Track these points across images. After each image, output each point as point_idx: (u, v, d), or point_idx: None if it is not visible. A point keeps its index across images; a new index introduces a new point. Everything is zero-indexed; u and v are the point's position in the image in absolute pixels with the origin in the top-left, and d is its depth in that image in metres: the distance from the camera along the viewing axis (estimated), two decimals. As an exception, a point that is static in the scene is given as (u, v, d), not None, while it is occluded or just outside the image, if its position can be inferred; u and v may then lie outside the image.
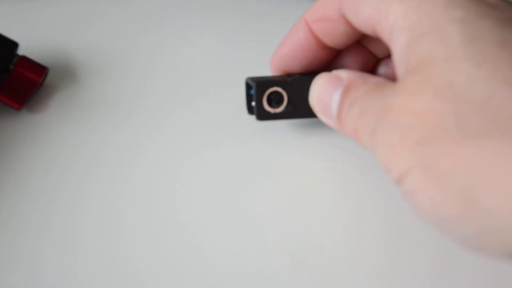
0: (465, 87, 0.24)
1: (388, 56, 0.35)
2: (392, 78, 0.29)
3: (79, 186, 0.34)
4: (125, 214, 0.33)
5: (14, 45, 0.36)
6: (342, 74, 0.30)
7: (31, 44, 0.39)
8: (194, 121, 0.37)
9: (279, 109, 0.34)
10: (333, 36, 0.32)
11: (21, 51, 0.37)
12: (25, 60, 0.37)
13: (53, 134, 0.36)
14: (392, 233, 0.32)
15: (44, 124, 0.36)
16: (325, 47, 0.33)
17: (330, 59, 0.34)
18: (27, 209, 0.33)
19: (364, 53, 0.34)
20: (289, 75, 0.34)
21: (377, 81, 0.29)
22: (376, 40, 0.32)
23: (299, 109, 0.34)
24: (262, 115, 0.34)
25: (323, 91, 0.31)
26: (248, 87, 0.35)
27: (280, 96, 0.34)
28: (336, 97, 0.30)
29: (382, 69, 0.35)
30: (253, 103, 0.34)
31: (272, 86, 0.33)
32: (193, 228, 0.32)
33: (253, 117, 0.35)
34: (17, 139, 0.36)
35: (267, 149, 0.36)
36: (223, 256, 0.31)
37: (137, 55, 0.41)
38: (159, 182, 0.34)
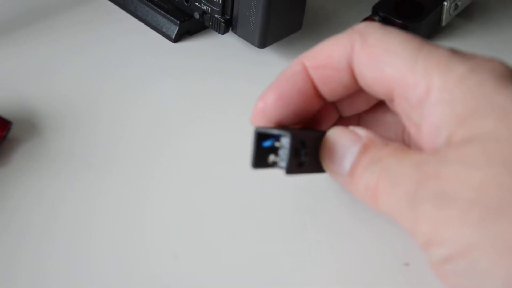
0: None
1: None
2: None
3: (40, 241, 0.33)
4: (87, 266, 0.32)
5: (-23, 99, 0.36)
6: (359, 131, 0.29)
7: (-6, 97, 0.39)
8: (167, 170, 0.37)
9: (305, 162, 0.30)
10: (332, 86, 0.30)
11: (-16, 104, 0.37)
12: (-12, 114, 0.37)
13: (15, 188, 0.36)
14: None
15: (5, 179, 0.36)
16: (319, 96, 0.31)
17: (316, 111, 0.32)
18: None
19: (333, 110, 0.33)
20: (284, 127, 0.31)
21: (399, 145, 0.28)
22: (360, 97, 0.31)
23: (313, 164, 0.31)
24: (292, 169, 0.29)
25: (338, 144, 0.29)
26: (260, 138, 0.29)
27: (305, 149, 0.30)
28: (352, 152, 0.29)
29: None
30: (280, 156, 0.29)
31: (302, 137, 0.29)
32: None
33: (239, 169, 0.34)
34: (-22, 194, 0.35)
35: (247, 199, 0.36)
36: None
37: (99, 104, 0.41)
38: (123, 237, 0.34)
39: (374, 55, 0.28)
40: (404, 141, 0.33)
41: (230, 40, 0.47)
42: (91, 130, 0.39)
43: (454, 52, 0.27)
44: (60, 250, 0.33)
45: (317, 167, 0.31)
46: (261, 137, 0.29)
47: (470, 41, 0.49)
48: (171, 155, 0.39)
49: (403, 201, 0.26)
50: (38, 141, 0.38)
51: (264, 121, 0.31)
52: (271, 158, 0.29)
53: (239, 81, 0.44)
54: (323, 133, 0.30)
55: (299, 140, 0.29)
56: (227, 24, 0.44)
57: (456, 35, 0.49)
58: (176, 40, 0.46)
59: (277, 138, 0.29)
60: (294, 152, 0.29)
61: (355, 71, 0.29)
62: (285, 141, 0.29)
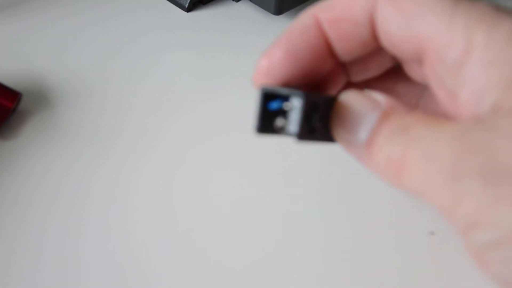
0: None
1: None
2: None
3: (46, 211, 0.33)
4: (89, 239, 0.32)
5: (-15, 70, 0.35)
6: (378, 96, 0.25)
7: (3, 69, 0.38)
8: (172, 146, 0.36)
9: (317, 128, 0.26)
10: (348, 43, 0.26)
11: (-7, 76, 0.36)
12: (-3, 85, 0.36)
13: (26, 160, 0.35)
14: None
15: (17, 151, 0.35)
16: (331, 55, 0.27)
17: (326, 72, 0.28)
18: (2, 239, 0.32)
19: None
20: (292, 87, 0.27)
21: (426, 113, 0.24)
22: (375, 59, 0.28)
23: (323, 132, 0.26)
24: (303, 135, 0.25)
25: (353, 110, 0.25)
26: (266, 98, 0.25)
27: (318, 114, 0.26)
28: (370, 119, 0.25)
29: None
30: (290, 120, 0.25)
31: (317, 100, 0.25)
32: (155, 259, 0.31)
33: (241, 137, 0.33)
34: (-11, 167, 0.35)
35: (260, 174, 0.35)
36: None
37: (111, 79, 0.40)
38: (138, 212, 0.33)
39: (402, 8, 0.24)
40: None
41: (244, 7, 0.45)
42: (102, 104, 0.38)
43: (499, 7, 0.24)
44: (64, 223, 0.32)
45: (329, 136, 0.26)
46: (267, 97, 0.25)
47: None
48: (182, 130, 0.37)
49: (439, 177, 0.22)
50: (48, 113, 0.37)
51: (268, 81, 0.27)
52: (279, 122, 0.25)
53: (254, 51, 0.43)
54: (334, 97, 0.26)
55: (312, 102, 0.25)
56: (241, -9, 0.43)
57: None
58: (189, 9, 0.45)
59: (286, 99, 0.25)
60: (306, 115, 0.25)
61: (377, 26, 0.25)
62: (296, 102, 0.25)
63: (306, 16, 0.27)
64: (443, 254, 0.32)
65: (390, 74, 0.30)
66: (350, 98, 0.25)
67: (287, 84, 0.27)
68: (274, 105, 0.25)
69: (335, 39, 0.26)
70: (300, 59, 0.26)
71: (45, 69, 0.40)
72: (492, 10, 0.23)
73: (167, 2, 0.46)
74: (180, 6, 0.45)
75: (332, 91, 0.29)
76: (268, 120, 0.25)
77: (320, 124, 0.25)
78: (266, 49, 0.27)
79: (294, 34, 0.27)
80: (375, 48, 0.27)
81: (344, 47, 0.26)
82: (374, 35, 0.26)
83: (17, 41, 0.42)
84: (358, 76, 0.29)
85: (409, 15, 0.24)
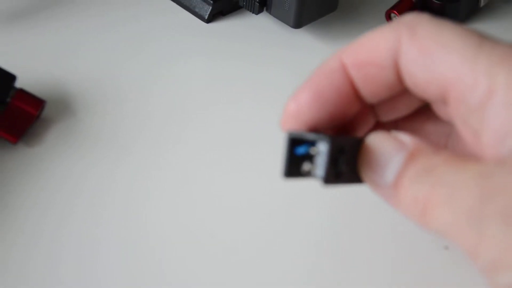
0: None
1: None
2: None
3: (74, 220, 0.33)
4: (121, 248, 0.32)
5: (11, 77, 0.36)
6: (404, 137, 0.25)
7: (28, 76, 0.38)
8: (195, 152, 0.37)
9: (343, 172, 0.26)
10: (374, 86, 0.27)
11: (18, 83, 0.36)
12: (22, 93, 0.36)
13: (49, 168, 0.36)
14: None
15: (40, 158, 0.36)
16: (358, 97, 0.27)
17: (353, 114, 0.28)
18: (24, 242, 0.32)
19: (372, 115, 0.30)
20: (318, 132, 0.27)
21: (453, 154, 0.24)
22: (402, 100, 0.28)
23: (351, 173, 0.27)
24: (329, 179, 0.26)
25: (380, 151, 0.26)
26: (293, 143, 0.26)
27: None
28: (397, 161, 0.25)
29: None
30: (316, 164, 0.26)
31: (343, 144, 0.26)
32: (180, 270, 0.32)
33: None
34: (13, 173, 0.35)
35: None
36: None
37: (129, 86, 0.41)
38: (156, 216, 0.34)
39: (426, 50, 0.25)
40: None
41: (264, 20, 0.46)
42: (121, 110, 0.39)
43: None
44: (83, 228, 0.33)
45: (355, 177, 0.27)
46: (294, 142, 0.26)
47: (510, 22, 0.47)
48: (198, 137, 0.38)
49: (462, 218, 0.22)
50: (71, 121, 0.38)
51: (297, 124, 0.27)
52: (306, 166, 0.26)
53: (273, 63, 0.43)
54: (361, 139, 0.27)
55: (338, 147, 0.26)
56: (262, 4, 0.43)
57: (496, 17, 0.48)
58: (209, 20, 0.46)
59: (312, 144, 0.26)
60: (332, 160, 0.25)
61: (402, 68, 0.26)
62: (322, 147, 0.25)
63: (333, 59, 0.27)
64: (457, 269, 0.32)
65: (419, 113, 0.30)
66: (377, 140, 0.26)
67: (315, 127, 0.27)
68: (301, 150, 0.26)
69: (360, 83, 0.27)
70: (327, 102, 0.27)
71: (66, 76, 0.41)
72: None
73: (188, 13, 0.46)
74: (200, 17, 0.46)
75: (361, 132, 0.30)
76: (295, 164, 0.26)
77: (347, 167, 0.26)
78: (294, 93, 0.27)
79: (320, 77, 0.27)
80: (401, 90, 0.27)
81: (370, 90, 0.27)
82: (399, 78, 0.26)
83: (39, 49, 0.43)
84: (387, 116, 0.30)
85: (432, 57, 0.24)
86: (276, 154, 0.34)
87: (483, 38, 0.24)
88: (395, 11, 0.45)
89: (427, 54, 0.25)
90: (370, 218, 0.34)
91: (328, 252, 0.33)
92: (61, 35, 0.44)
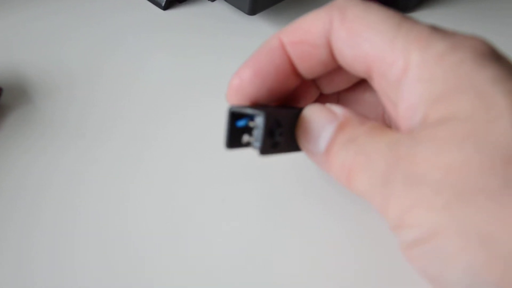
0: None
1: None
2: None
3: (30, 205, 0.34)
4: (76, 234, 0.33)
5: (-32, 65, 0.36)
6: (336, 109, 0.28)
7: (-15, 64, 0.38)
8: (149, 141, 0.38)
9: (280, 142, 0.29)
10: (309, 63, 0.29)
11: (-26, 71, 0.37)
12: (-21, 80, 0.37)
13: (6, 154, 0.36)
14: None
15: (-2, 145, 0.36)
16: (296, 73, 0.30)
17: (293, 88, 0.31)
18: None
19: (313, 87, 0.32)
20: (260, 105, 0.30)
21: (376, 124, 0.27)
22: (340, 75, 0.31)
23: (289, 143, 0.30)
24: (266, 150, 0.28)
25: (314, 123, 0.28)
26: (234, 117, 0.29)
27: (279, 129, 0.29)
28: (328, 131, 0.28)
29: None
30: (254, 136, 0.28)
31: (277, 116, 0.28)
32: (144, 254, 0.33)
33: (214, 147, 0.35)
34: (-30, 160, 0.35)
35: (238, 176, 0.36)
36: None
37: (91, 75, 0.41)
38: (111, 204, 0.34)
39: (353, 31, 0.27)
40: (385, 121, 0.33)
41: (219, 7, 0.47)
42: (82, 100, 0.40)
43: (435, 28, 0.26)
44: (49, 218, 0.33)
45: (294, 146, 0.30)
46: (235, 116, 0.28)
47: (460, 8, 0.49)
48: (161, 126, 0.39)
49: (377, 182, 0.25)
50: (29, 108, 0.38)
51: (240, 99, 0.29)
52: (245, 138, 0.29)
53: (228, 50, 0.44)
54: (299, 110, 0.29)
55: (274, 120, 0.28)
56: (217, -9, 0.44)
57: (445, 5, 0.49)
58: (166, 7, 0.46)
59: (251, 117, 0.28)
60: (269, 132, 0.28)
61: (333, 47, 0.28)
62: (259, 121, 0.28)
63: (273, 38, 0.29)
64: None
65: (359, 85, 0.33)
66: (312, 112, 0.29)
67: (257, 101, 0.30)
68: (240, 123, 0.28)
69: (297, 60, 0.29)
70: (267, 78, 0.29)
71: (25, 64, 0.41)
72: (429, 31, 0.26)
73: (145, 0, 0.47)
74: (157, 4, 0.47)
75: (305, 103, 0.32)
76: (236, 136, 0.28)
77: (283, 137, 0.29)
78: (238, 69, 0.30)
79: (261, 55, 0.29)
80: (335, 67, 0.29)
81: (306, 67, 0.29)
82: (332, 56, 0.29)
83: (-3, 36, 0.43)
84: (329, 89, 0.32)
85: (358, 37, 0.27)
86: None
87: (403, 19, 0.27)
88: (348, -2, 0.46)
89: (354, 34, 0.27)
90: (340, 210, 0.35)
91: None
92: (18, 25, 0.44)
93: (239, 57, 0.43)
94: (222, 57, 0.43)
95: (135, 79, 0.41)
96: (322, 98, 0.33)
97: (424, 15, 0.48)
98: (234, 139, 0.29)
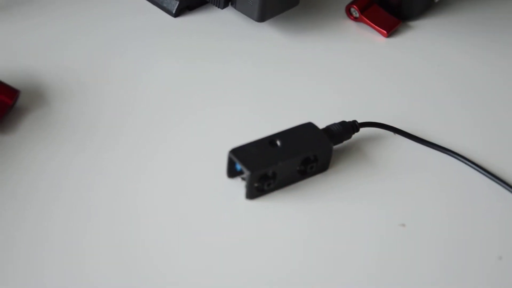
0: None
1: None
2: None
3: (44, 206, 0.35)
4: (89, 235, 0.34)
5: (-13, 68, 0.37)
6: None
7: (3, 66, 0.39)
8: (167, 145, 0.39)
9: (269, 187, 0.36)
10: None
11: (-7, 74, 0.38)
12: (-3, 83, 0.38)
13: (23, 156, 0.37)
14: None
15: (15, 146, 0.37)
16: None
17: None
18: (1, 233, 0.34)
19: None
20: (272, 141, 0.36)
21: None
22: None
23: (281, 179, 0.36)
24: (252, 196, 0.36)
25: None
26: (232, 160, 0.36)
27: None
28: None
29: None
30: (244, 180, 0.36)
31: (264, 171, 0.35)
32: (154, 255, 0.34)
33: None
34: (-11, 160, 0.37)
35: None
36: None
37: (103, 79, 0.42)
38: (123, 207, 0.36)
39: None
40: None
41: (229, 14, 0.48)
42: (95, 102, 0.41)
43: None
44: (63, 218, 0.35)
45: (293, 181, 0.37)
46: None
47: (463, 17, 0.50)
48: (170, 128, 0.40)
49: None
50: (45, 111, 0.40)
51: None
52: (242, 175, 0.36)
53: (238, 55, 0.45)
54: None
55: (262, 175, 0.35)
56: (227, -1, 0.45)
57: (449, 12, 0.50)
58: (176, 14, 0.48)
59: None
60: (253, 184, 0.35)
61: None
62: (246, 175, 0.35)
63: None
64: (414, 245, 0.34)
65: None
66: None
67: None
68: (237, 167, 0.36)
69: None
70: None
71: (41, 69, 0.42)
72: None
73: (157, 8, 0.48)
74: (168, 11, 0.48)
75: None
76: (236, 171, 0.36)
77: (276, 183, 0.36)
78: None
79: None
80: None
81: None
82: None
83: (15, 41, 0.44)
84: None
85: None
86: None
87: None
88: (355, 6, 0.48)
89: None
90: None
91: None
92: (36, 29, 0.45)
93: (248, 63, 0.44)
94: (232, 63, 0.44)
95: (145, 83, 0.43)
96: None
97: (427, 24, 0.48)
98: (233, 172, 0.37)
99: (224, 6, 0.45)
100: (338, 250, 0.34)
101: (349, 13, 0.48)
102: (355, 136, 0.39)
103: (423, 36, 0.48)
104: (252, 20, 0.45)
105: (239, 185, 0.37)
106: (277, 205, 0.36)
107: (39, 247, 0.33)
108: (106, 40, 0.45)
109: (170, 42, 0.46)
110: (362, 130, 0.40)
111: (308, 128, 0.38)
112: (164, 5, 0.48)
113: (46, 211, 0.35)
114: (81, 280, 0.32)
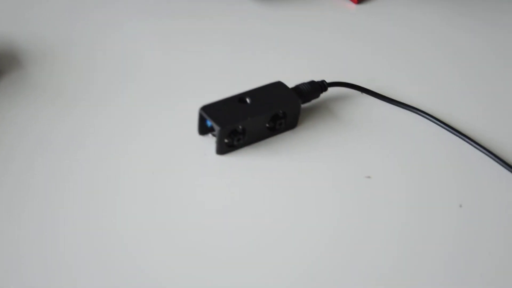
0: None
1: None
2: None
3: (21, 171, 0.36)
4: (65, 202, 0.34)
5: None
6: None
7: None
8: (137, 107, 0.40)
9: (239, 142, 0.37)
10: None
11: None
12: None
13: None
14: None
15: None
16: None
17: None
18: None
19: None
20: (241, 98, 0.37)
21: None
22: None
23: (251, 135, 0.37)
24: (222, 151, 0.37)
25: None
26: (202, 116, 0.37)
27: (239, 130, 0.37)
28: None
29: None
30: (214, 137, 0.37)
31: (234, 127, 0.37)
32: (129, 211, 0.35)
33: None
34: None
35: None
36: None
37: (79, 41, 0.43)
38: (100, 172, 0.36)
39: None
40: None
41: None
42: (67, 65, 0.42)
43: None
44: (41, 183, 0.35)
45: (263, 137, 0.38)
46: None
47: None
48: (140, 90, 0.41)
49: None
50: (19, 73, 0.40)
51: None
52: (212, 132, 0.37)
53: (209, 18, 0.46)
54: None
55: (232, 130, 0.36)
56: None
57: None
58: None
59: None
60: (223, 140, 0.36)
61: None
62: (216, 131, 0.36)
63: None
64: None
65: None
66: None
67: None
68: (208, 123, 0.37)
69: None
70: None
71: (14, 32, 0.43)
72: None
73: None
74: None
75: None
76: (207, 128, 0.38)
77: (245, 139, 0.37)
78: None
79: None
80: None
81: None
82: None
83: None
84: None
85: None
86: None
87: None
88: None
89: None
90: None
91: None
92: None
93: (219, 26, 0.45)
94: (203, 25, 0.45)
95: (114, 43, 0.43)
96: None
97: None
98: (205, 129, 0.38)
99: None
100: (307, 202, 0.35)
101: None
102: (324, 95, 0.41)
103: (393, 2, 0.49)
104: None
105: (210, 142, 0.38)
106: (247, 160, 0.37)
107: (16, 215, 0.34)
108: (72, 3, 0.46)
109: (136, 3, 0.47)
110: (331, 90, 0.41)
111: (277, 86, 0.39)
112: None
113: (23, 178, 0.35)
114: (57, 240, 0.33)
